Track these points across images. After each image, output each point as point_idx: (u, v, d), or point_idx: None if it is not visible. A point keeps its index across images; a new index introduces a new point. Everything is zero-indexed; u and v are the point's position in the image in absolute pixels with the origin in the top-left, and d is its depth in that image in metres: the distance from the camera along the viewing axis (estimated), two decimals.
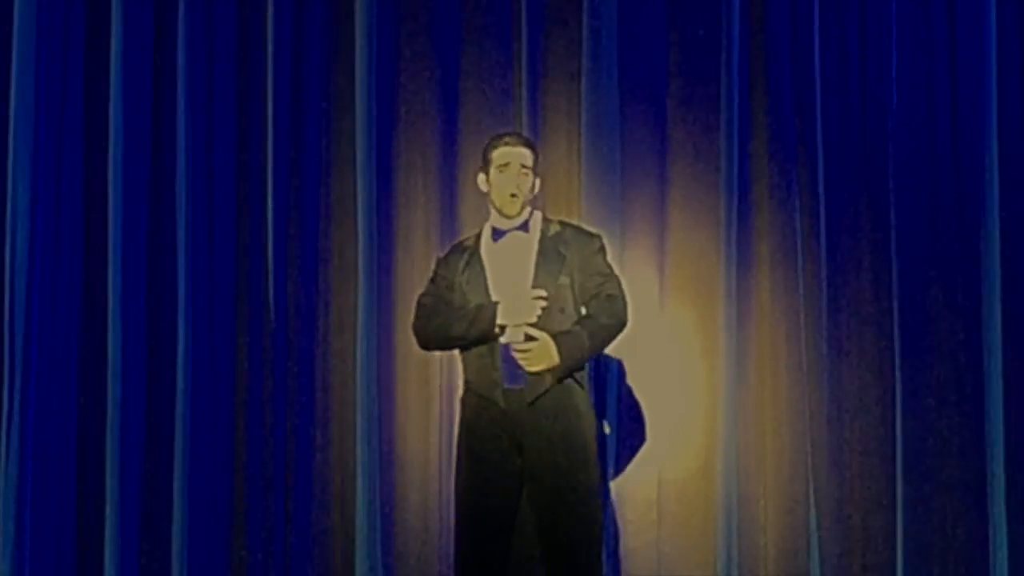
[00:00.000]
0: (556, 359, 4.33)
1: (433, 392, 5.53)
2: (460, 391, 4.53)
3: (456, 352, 4.75)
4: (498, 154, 4.51)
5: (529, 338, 4.35)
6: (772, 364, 5.49)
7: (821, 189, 5.52)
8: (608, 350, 4.70)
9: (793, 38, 5.57)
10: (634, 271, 5.38)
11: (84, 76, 5.70)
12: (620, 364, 5.44)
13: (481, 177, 4.55)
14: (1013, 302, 5.46)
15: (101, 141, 5.65)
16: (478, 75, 5.64)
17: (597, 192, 5.53)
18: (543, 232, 4.51)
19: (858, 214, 5.53)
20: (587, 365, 4.50)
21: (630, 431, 5.45)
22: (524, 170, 4.49)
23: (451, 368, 5.43)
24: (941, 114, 5.54)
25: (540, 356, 4.34)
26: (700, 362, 5.51)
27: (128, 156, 5.63)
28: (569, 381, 4.40)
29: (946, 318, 5.48)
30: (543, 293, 4.37)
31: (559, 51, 5.62)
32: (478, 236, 4.58)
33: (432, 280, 4.63)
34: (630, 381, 5.47)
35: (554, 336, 4.34)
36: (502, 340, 4.39)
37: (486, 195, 4.54)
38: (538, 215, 4.57)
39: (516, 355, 4.34)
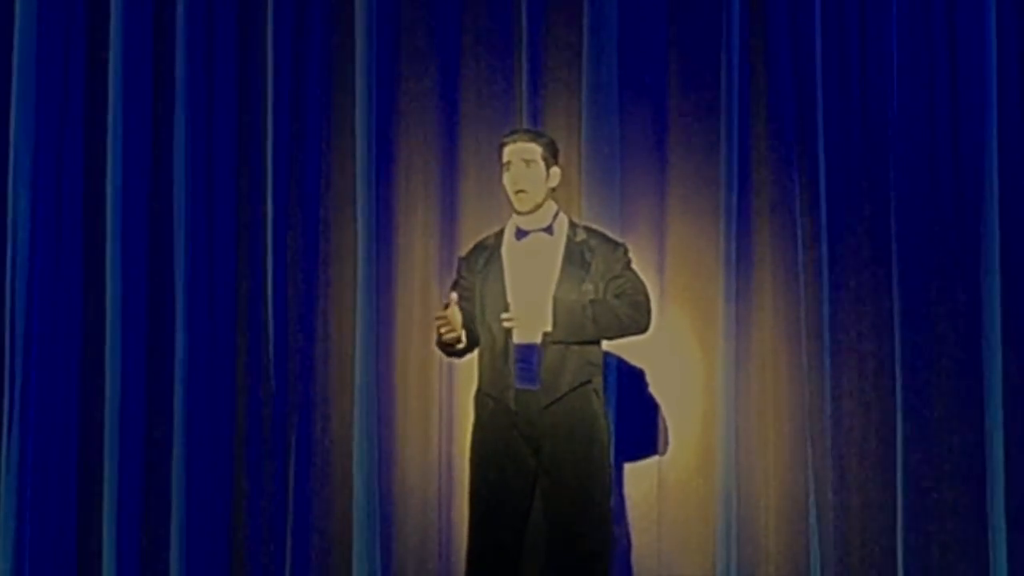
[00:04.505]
0: (548, 324, 4.36)
1: (433, 394, 5.53)
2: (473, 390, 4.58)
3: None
4: (503, 154, 4.57)
5: (547, 340, 4.38)
6: (772, 364, 5.49)
7: (821, 189, 5.52)
8: (607, 349, 4.72)
9: (793, 38, 5.56)
10: None
11: (84, 76, 5.70)
12: (620, 364, 5.44)
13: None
14: (1013, 301, 5.46)
15: (101, 142, 5.65)
16: (478, 75, 5.64)
17: (597, 192, 5.53)
18: (569, 237, 4.53)
19: (858, 214, 5.52)
20: (602, 371, 4.53)
21: (630, 431, 5.45)
22: (527, 164, 4.50)
23: (451, 370, 5.44)
24: (941, 114, 5.53)
25: (530, 319, 4.35)
26: (700, 362, 5.51)
27: (128, 157, 5.63)
28: (586, 387, 4.43)
29: (946, 318, 5.48)
30: (512, 315, 4.38)
31: (559, 51, 5.62)
32: (500, 234, 4.61)
33: (455, 283, 4.66)
34: (630, 381, 5.47)
35: (554, 303, 4.37)
36: (515, 341, 4.41)
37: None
38: (564, 218, 4.59)
39: (504, 323, 4.36)
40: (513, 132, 4.68)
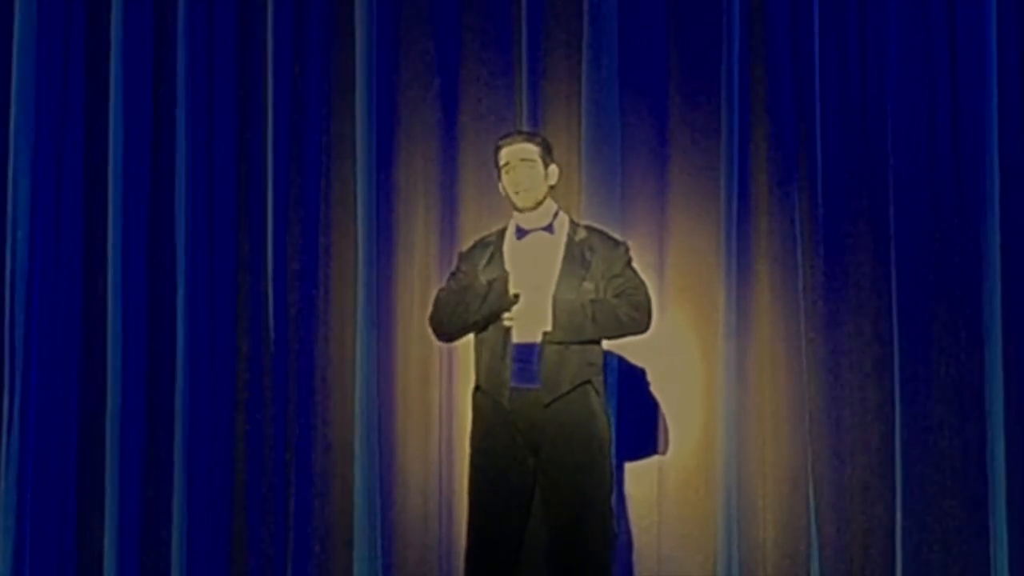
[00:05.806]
0: (547, 324, 4.36)
1: (433, 392, 5.53)
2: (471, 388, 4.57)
3: (457, 353, 4.76)
4: (500, 156, 4.56)
5: (546, 340, 4.38)
6: (772, 365, 5.49)
7: (821, 189, 5.52)
8: (608, 349, 4.72)
9: (793, 38, 5.57)
10: None
11: (84, 76, 5.71)
12: (620, 364, 5.44)
13: (501, 183, 4.58)
14: (1013, 303, 5.46)
15: (101, 141, 5.66)
16: (478, 75, 5.64)
17: (597, 192, 5.53)
18: (570, 236, 4.53)
19: (858, 215, 5.53)
20: (603, 370, 4.53)
21: (630, 431, 5.45)
22: (526, 163, 4.51)
23: (451, 368, 5.45)
24: (941, 114, 5.53)
25: (530, 318, 4.36)
26: (700, 363, 5.51)
27: (128, 156, 5.64)
28: (586, 386, 4.43)
29: (946, 319, 5.48)
30: (511, 314, 4.38)
31: (559, 51, 5.62)
32: (502, 232, 4.61)
33: (452, 274, 4.67)
34: (630, 381, 5.47)
35: (554, 302, 4.37)
36: (515, 340, 4.41)
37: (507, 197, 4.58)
38: (565, 217, 4.59)
39: (504, 321, 4.37)
40: (507, 135, 4.65)
